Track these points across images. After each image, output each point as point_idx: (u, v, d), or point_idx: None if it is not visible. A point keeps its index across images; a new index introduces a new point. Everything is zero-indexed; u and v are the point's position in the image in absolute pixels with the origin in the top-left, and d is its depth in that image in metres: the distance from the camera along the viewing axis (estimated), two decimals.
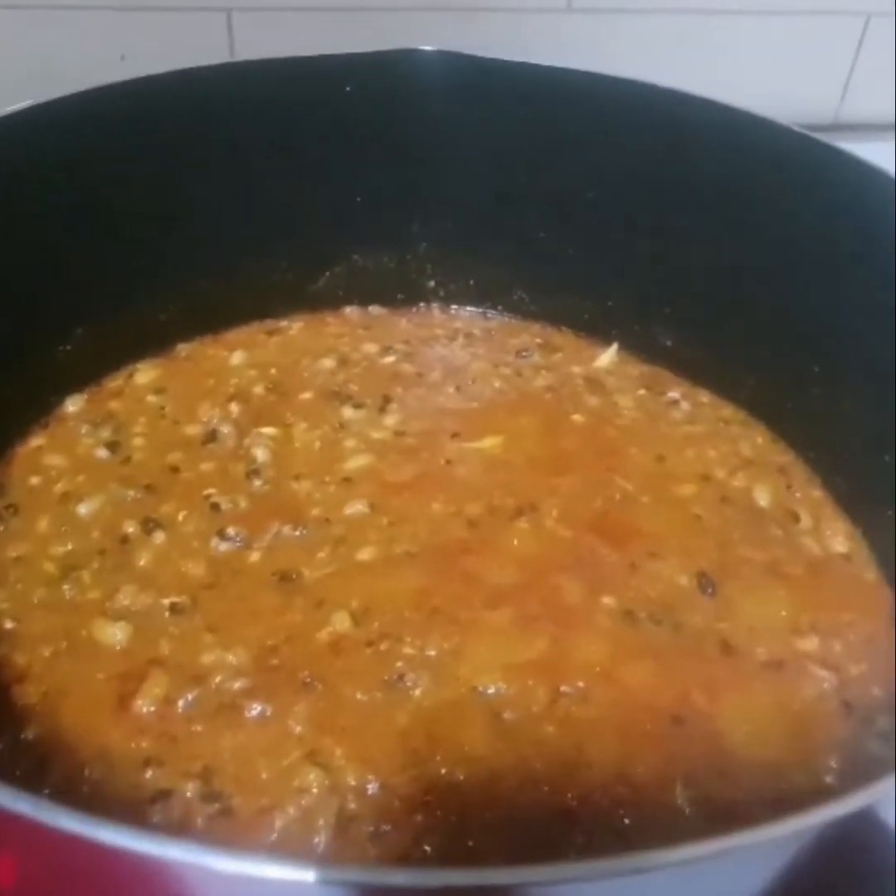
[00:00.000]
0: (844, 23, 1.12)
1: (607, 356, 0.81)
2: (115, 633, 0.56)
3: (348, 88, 0.74)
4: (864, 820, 0.40)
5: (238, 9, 1.03)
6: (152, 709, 0.53)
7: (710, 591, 0.62)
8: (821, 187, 0.67)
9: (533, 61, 0.74)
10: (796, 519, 0.68)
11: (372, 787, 0.50)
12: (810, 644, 0.59)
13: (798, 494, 0.70)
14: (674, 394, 0.78)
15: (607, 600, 0.60)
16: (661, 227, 0.76)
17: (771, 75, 1.11)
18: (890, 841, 0.42)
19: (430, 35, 0.98)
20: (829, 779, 0.52)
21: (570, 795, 0.51)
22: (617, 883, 0.33)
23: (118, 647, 0.56)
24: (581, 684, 0.56)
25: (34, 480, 0.66)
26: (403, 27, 1.04)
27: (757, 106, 0.70)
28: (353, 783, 0.50)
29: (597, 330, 0.83)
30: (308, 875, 0.31)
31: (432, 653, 0.57)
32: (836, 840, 0.40)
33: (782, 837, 0.34)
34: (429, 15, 1.05)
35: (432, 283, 0.86)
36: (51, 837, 0.32)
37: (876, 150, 0.66)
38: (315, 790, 0.50)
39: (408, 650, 0.57)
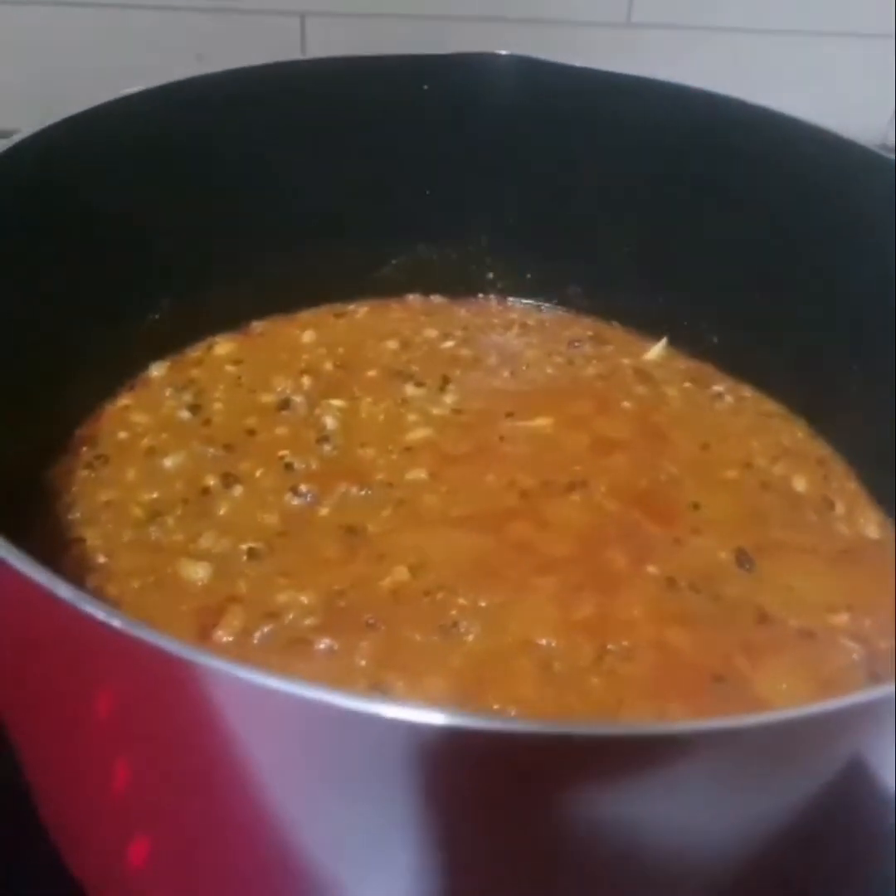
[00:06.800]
0: None
1: (656, 350, 0.85)
2: (197, 571, 0.61)
3: (425, 87, 0.79)
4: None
5: (311, 13, 1.10)
6: (231, 639, 0.58)
7: (747, 566, 0.66)
8: (868, 197, 0.71)
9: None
10: (831, 506, 0.71)
11: None
12: (841, 619, 0.63)
13: (834, 484, 0.73)
14: (718, 387, 0.82)
15: (651, 569, 0.64)
16: (714, 235, 0.80)
17: (823, 96, 1.15)
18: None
19: (492, 44, 1.03)
20: None
21: None
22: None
23: (200, 584, 0.61)
24: (626, 643, 0.60)
25: (122, 435, 0.71)
26: (467, 35, 1.10)
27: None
28: None
29: (647, 326, 0.86)
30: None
31: (484, 605, 0.61)
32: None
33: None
34: (492, 25, 1.11)
35: (491, 276, 0.90)
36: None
37: None
38: None
39: (462, 600, 0.61)
